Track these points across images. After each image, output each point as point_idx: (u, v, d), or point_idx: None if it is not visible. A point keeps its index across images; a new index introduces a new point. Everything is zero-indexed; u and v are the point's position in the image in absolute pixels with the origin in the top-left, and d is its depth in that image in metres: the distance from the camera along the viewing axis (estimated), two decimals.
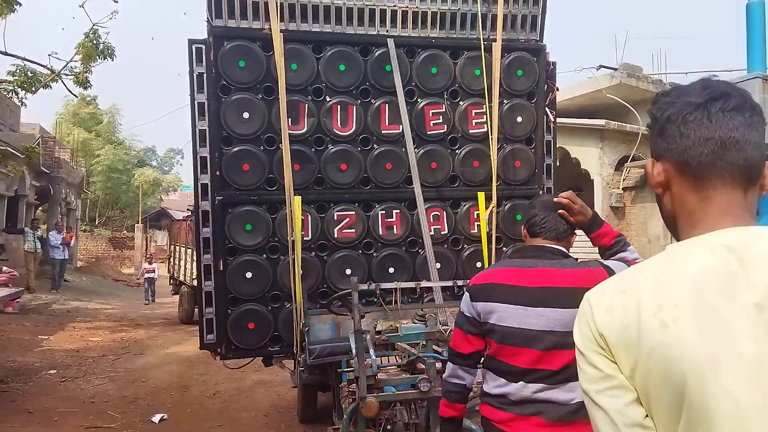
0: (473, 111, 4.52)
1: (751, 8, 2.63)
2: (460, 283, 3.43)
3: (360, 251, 4.36)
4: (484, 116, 4.52)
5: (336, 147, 4.27)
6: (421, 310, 3.70)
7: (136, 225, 33.71)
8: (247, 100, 4.08)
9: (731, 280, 0.77)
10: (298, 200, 4.08)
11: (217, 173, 4.07)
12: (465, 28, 4.49)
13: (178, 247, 13.13)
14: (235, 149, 4.09)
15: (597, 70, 10.36)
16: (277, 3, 3.95)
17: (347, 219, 4.32)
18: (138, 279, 17.57)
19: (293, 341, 4.09)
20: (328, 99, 4.24)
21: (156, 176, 38.43)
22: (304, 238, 4.20)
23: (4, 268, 10.08)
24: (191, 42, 4.04)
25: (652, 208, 9.65)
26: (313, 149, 4.24)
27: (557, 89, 4.80)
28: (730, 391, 0.72)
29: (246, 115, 4.08)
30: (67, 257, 15.24)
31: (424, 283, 3.41)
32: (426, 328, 3.59)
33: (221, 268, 4.11)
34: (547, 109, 4.71)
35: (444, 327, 3.09)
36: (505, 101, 4.55)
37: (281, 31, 4.00)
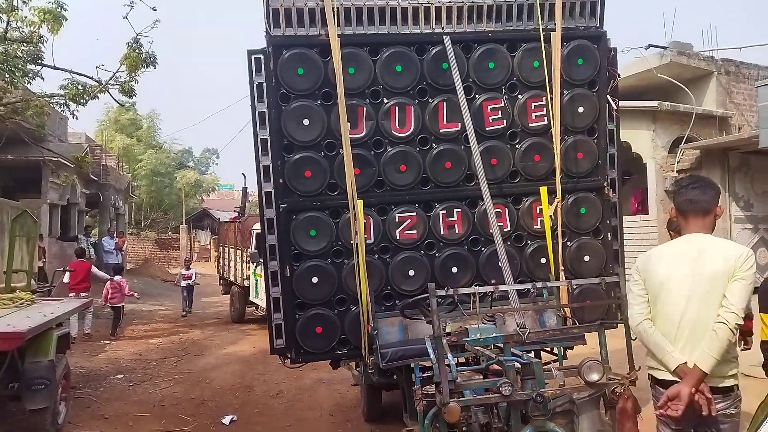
0: (532, 104, 4.42)
1: None
2: (539, 285, 3.36)
3: (422, 252, 4.34)
4: (544, 109, 4.41)
5: (395, 149, 4.25)
6: (491, 309, 3.68)
7: (180, 226, 34.69)
8: (306, 107, 4.09)
9: (687, 249, 2.52)
10: (360, 204, 4.08)
11: (281, 181, 4.11)
12: (522, 19, 4.38)
13: (226, 248, 13.41)
14: (297, 156, 4.12)
15: (646, 49, 10.02)
16: (334, 8, 3.94)
17: (408, 220, 4.30)
18: (176, 284, 16.16)
19: (361, 344, 4.11)
20: (385, 101, 4.22)
21: (197, 178, 39.38)
22: (367, 241, 4.20)
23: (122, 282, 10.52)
24: (250, 53, 4.07)
25: None
26: (372, 152, 4.23)
27: (619, 76, 4.65)
28: (671, 287, 2.52)
29: (306, 122, 4.10)
30: (120, 261, 15.77)
31: (503, 287, 3.36)
32: (497, 329, 3.57)
33: (288, 274, 4.16)
34: (608, 97, 4.57)
35: (522, 329, 3.04)
36: (565, 91, 4.42)
37: (338, 36, 3.98)
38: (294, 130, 4.09)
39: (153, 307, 14.57)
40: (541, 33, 4.25)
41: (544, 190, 4.40)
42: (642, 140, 9.91)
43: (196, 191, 40.01)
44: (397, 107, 4.21)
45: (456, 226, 4.36)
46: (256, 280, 10.35)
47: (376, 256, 4.27)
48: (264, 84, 4.10)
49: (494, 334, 3.22)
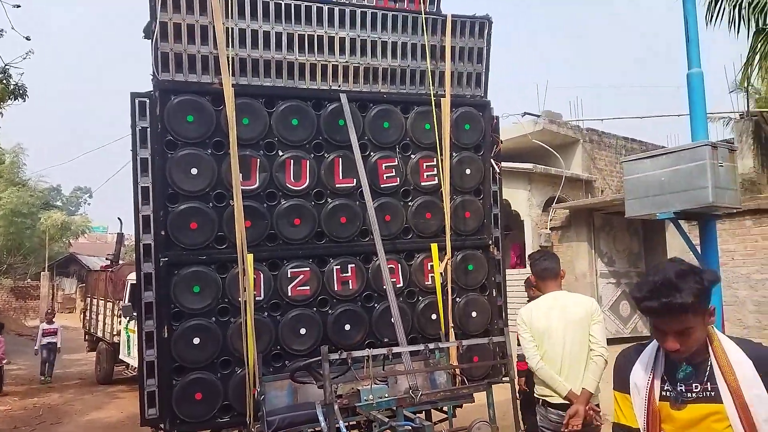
0: (424, 164, 4.57)
1: (691, 78, 2.88)
2: (431, 346, 3.37)
3: (315, 309, 4.21)
4: (435, 169, 4.59)
5: (289, 201, 4.15)
6: (383, 369, 3.62)
7: (42, 273, 31.13)
8: (195, 156, 3.89)
9: (555, 304, 3.33)
10: (250, 258, 3.90)
11: (162, 233, 3.81)
12: (414, 84, 4.58)
13: (95, 300, 12.17)
14: (182, 207, 3.86)
15: (522, 116, 10.95)
16: (228, 57, 3.84)
17: (301, 276, 4.17)
18: (34, 344, 12.17)
19: (246, 410, 3.83)
20: (280, 153, 4.14)
21: (64, 219, 35.88)
22: (257, 298, 4.00)
23: None
24: (134, 95, 3.82)
25: (577, 246, 10.17)
26: (265, 204, 4.09)
27: (501, 142, 4.98)
28: (551, 333, 3.27)
29: (194, 171, 3.88)
30: None
31: (397, 349, 3.31)
32: (389, 389, 3.50)
33: (165, 335, 3.81)
34: (492, 161, 4.86)
35: (415, 391, 3.01)
36: (454, 154, 4.64)
37: (233, 85, 3.88)
38: (180, 179, 3.86)
39: (5, 367, 12.67)
40: (432, 98, 4.46)
41: (435, 247, 4.52)
42: (520, 199, 10.69)
43: (63, 234, 36.34)
44: (292, 160, 4.15)
45: (350, 281, 4.30)
46: (128, 336, 9.44)
47: (266, 313, 4.07)
48: (148, 129, 3.85)
49: (386, 396, 3.15)
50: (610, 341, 10.46)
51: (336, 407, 2.74)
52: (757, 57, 9.35)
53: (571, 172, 11.13)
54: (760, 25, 9.19)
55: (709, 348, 1.63)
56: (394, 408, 3.02)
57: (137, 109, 3.84)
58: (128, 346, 9.48)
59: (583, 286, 9.99)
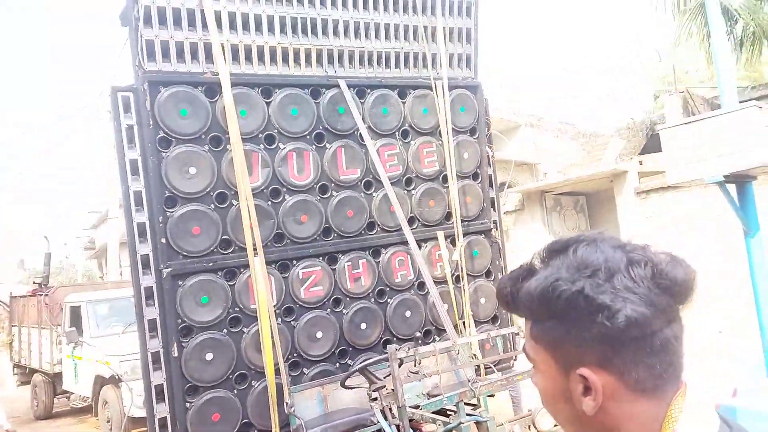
0: (424, 150, 4.43)
1: (716, 45, 2.94)
2: (493, 333, 3.24)
3: (329, 310, 3.96)
4: (435, 155, 4.46)
5: (294, 197, 3.87)
6: (414, 365, 3.45)
7: None
8: (192, 153, 3.51)
9: None
10: (261, 261, 3.58)
11: (162, 241, 3.41)
12: (408, 67, 4.42)
13: (25, 329, 10.98)
14: (182, 210, 3.48)
15: None
16: (222, 43, 3.49)
17: (313, 276, 3.91)
18: None
19: (269, 425, 3.52)
20: (281, 146, 3.84)
21: None
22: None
23: None
24: (116, 90, 3.39)
25: (533, 228, 10.46)
26: (269, 202, 3.78)
27: (491, 124, 4.94)
28: None
29: (192, 170, 3.51)
30: None
31: (461, 341, 3.16)
32: (420, 384, 3.36)
33: (175, 354, 3.42)
34: (486, 144, 4.81)
35: (474, 384, 2.88)
36: (452, 138, 4.54)
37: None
38: (177, 180, 3.47)
39: None
40: (433, 81, 4.32)
41: (441, 235, 4.40)
42: None
43: None
44: (294, 153, 3.86)
45: (362, 278, 4.09)
46: (74, 364, 8.59)
47: (279, 319, 3.77)
48: (134, 127, 3.43)
49: (420, 393, 3.00)
50: None
51: (406, 408, 2.55)
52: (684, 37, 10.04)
53: (520, 158, 11.43)
54: (682, 7, 9.86)
55: None
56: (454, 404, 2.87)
57: (120, 105, 3.40)
58: (75, 375, 8.63)
59: None
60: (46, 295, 9.98)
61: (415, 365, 3.41)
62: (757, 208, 2.75)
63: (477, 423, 2.73)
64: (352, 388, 3.16)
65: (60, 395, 9.73)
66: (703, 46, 9.26)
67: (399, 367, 2.92)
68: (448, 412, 3.43)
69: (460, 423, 2.70)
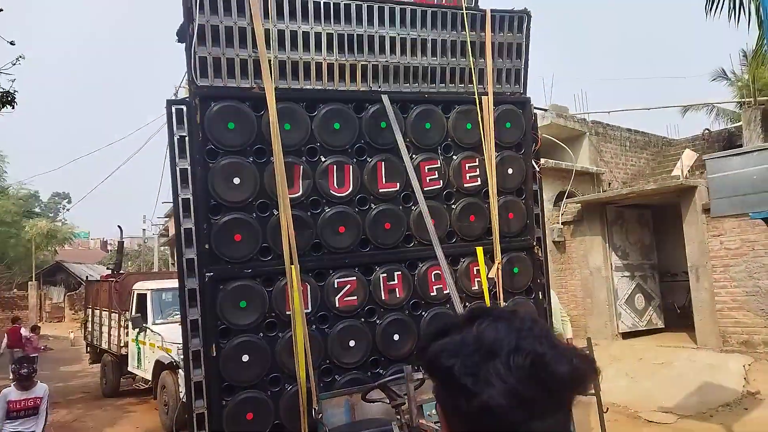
0: (466, 165, 4.43)
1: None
2: None
3: (362, 320, 4.05)
4: (477, 170, 4.44)
5: (333, 209, 3.98)
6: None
7: (29, 282, 30.46)
8: (237, 164, 3.70)
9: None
10: (295, 269, 3.72)
11: (206, 246, 3.62)
12: (454, 82, 4.42)
13: (97, 311, 11.84)
14: (226, 218, 3.67)
15: None
16: (270, 60, 3.65)
17: (348, 285, 4.01)
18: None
19: (299, 429, 3.66)
20: (323, 159, 3.96)
21: (50, 227, 35.11)
22: (305, 311, 3.82)
23: None
24: (171, 103, 3.63)
25: (591, 241, 10.11)
26: (309, 213, 3.92)
27: (540, 140, 4.85)
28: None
29: (236, 180, 3.69)
30: None
31: None
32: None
33: (213, 354, 3.62)
34: (533, 160, 4.73)
35: None
36: (496, 153, 4.50)
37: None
38: (223, 190, 3.66)
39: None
40: (477, 97, 4.31)
41: (480, 251, 4.38)
42: None
43: (49, 242, 35.58)
44: (335, 166, 3.97)
45: (397, 289, 4.14)
46: (138, 348, 9.17)
47: (314, 326, 3.90)
48: (186, 138, 3.65)
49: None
50: (627, 335, 10.36)
51: (419, 429, 2.59)
52: (764, 48, 9.35)
53: (581, 166, 11.07)
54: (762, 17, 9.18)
55: None
56: None
57: (174, 117, 3.64)
58: (138, 359, 9.22)
59: (599, 280, 9.94)
60: (117, 281, 10.71)
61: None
62: None
63: None
64: (373, 401, 3.23)
65: (126, 376, 10.40)
66: None
67: (420, 385, 2.95)
68: None
69: None
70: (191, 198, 3.64)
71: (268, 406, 3.71)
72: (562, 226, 10.38)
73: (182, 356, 7.15)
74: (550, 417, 0.70)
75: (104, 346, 11.07)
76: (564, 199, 10.44)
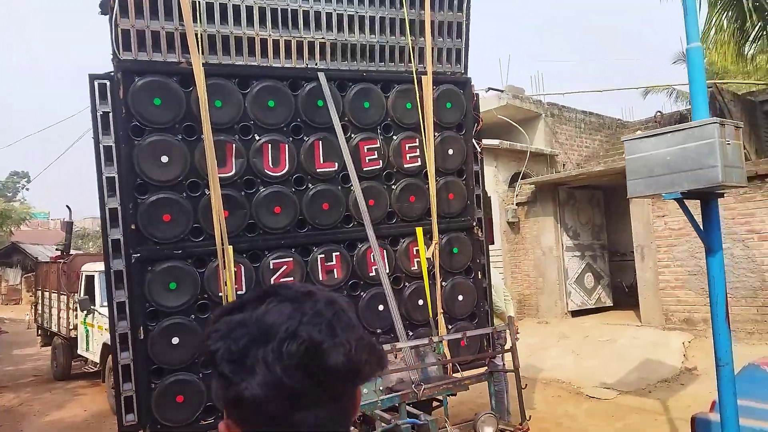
0: (407, 145, 4.40)
1: (691, 54, 2.82)
2: (435, 339, 3.25)
3: None
4: (418, 150, 4.43)
5: (268, 189, 3.91)
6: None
7: None
8: (165, 142, 3.58)
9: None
10: (230, 250, 3.66)
11: (132, 227, 3.52)
12: (393, 60, 4.37)
13: (47, 293, 11.50)
14: (153, 198, 3.57)
15: (486, 92, 10.87)
16: (198, 33, 3.53)
17: (284, 267, 3.97)
18: None
19: None
20: (257, 137, 3.88)
21: (4, 207, 33.85)
22: (238, 292, 3.77)
23: None
24: (93, 77, 3.47)
25: (543, 221, 10.29)
26: (243, 192, 3.84)
27: (482, 120, 4.86)
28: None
29: (164, 158, 3.58)
30: None
31: (400, 345, 3.18)
32: (382, 380, 3.38)
33: (141, 337, 3.55)
34: (474, 140, 4.74)
35: (418, 387, 2.90)
36: (436, 134, 4.49)
37: (202, 65, 3.57)
38: (150, 168, 3.55)
39: None
40: (415, 75, 4.27)
41: (420, 231, 4.39)
42: (486, 175, 10.65)
43: (3, 222, 34.35)
44: (270, 144, 3.90)
45: (335, 270, 4.13)
46: (87, 330, 8.97)
47: None
48: (110, 114, 3.51)
49: (381, 388, 3.03)
50: (576, 313, 10.56)
51: None
52: (713, 31, 9.58)
53: (535, 147, 11.20)
54: None
55: None
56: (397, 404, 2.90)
57: (97, 92, 3.49)
58: (86, 341, 9.02)
59: (550, 260, 10.14)
60: (65, 262, 10.40)
61: None
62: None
63: (417, 426, 2.75)
64: None
65: (77, 359, 10.18)
66: (732, 40, 8.82)
67: None
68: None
69: (397, 425, 2.73)
70: (116, 176, 3.52)
71: (199, 389, 3.67)
72: (516, 207, 10.52)
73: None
74: (320, 409, 0.67)
75: (54, 328, 10.78)
76: (519, 180, 10.56)
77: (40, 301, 12.15)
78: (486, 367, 3.66)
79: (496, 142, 10.41)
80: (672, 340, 8.08)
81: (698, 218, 2.83)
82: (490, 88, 10.83)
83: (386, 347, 3.02)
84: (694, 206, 2.86)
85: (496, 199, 10.61)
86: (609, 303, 10.61)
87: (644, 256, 8.64)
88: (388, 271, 4.31)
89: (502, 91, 10.90)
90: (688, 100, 16.60)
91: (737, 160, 2.51)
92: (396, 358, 3.33)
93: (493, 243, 10.65)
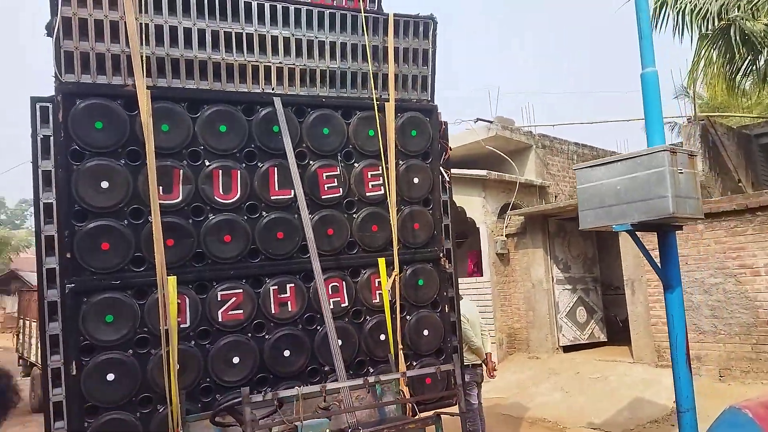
0: (369, 173, 4.25)
1: (646, 79, 2.67)
2: (371, 380, 3.03)
3: (249, 335, 3.81)
4: (381, 178, 4.27)
5: (218, 216, 3.75)
6: (324, 400, 3.25)
7: None
8: (105, 167, 3.44)
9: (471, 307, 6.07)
10: (173, 281, 3.47)
11: (68, 255, 3.35)
12: (356, 87, 4.26)
13: (28, 322, 11.29)
14: (91, 225, 3.41)
15: (475, 122, 10.80)
16: (142, 56, 3.42)
17: (233, 299, 3.77)
18: None
19: None
20: (207, 163, 3.73)
21: (4, 234, 33.96)
22: (182, 325, 3.57)
23: None
24: (35, 100, 3.36)
25: (533, 253, 10.06)
26: (190, 220, 3.68)
27: (450, 149, 4.72)
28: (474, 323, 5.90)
29: (105, 184, 3.43)
30: None
31: (332, 386, 2.96)
32: (330, 422, 3.15)
33: (74, 372, 3.33)
34: (441, 169, 4.59)
35: (356, 430, 2.67)
36: (400, 162, 4.35)
37: (149, 87, 3.46)
38: (88, 194, 3.40)
39: None
40: (375, 102, 4.15)
41: (382, 262, 4.20)
42: (474, 206, 10.51)
43: (3, 249, 34.42)
44: (221, 171, 3.75)
45: (289, 303, 3.92)
46: None
47: (193, 342, 3.64)
48: (51, 138, 3.39)
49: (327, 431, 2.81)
50: (568, 348, 10.28)
51: None
52: (702, 63, 9.51)
53: (525, 178, 11.05)
54: (703, 31, 9.35)
55: None
56: None
57: (38, 115, 3.37)
58: None
59: (540, 293, 9.87)
60: None
61: (324, 400, 3.22)
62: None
63: None
64: (225, 426, 2.99)
65: None
66: (721, 73, 8.74)
67: (280, 408, 2.74)
68: None
69: None
70: (54, 202, 3.36)
71: (136, 429, 3.44)
72: (506, 239, 10.31)
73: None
74: None
75: (33, 359, 10.53)
76: (508, 211, 10.39)
77: (22, 330, 11.93)
78: (433, 411, 3.42)
79: (483, 172, 10.28)
80: (664, 378, 7.75)
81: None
82: (478, 119, 10.77)
83: (314, 389, 2.79)
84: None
85: (484, 230, 10.42)
86: (603, 338, 10.28)
87: (635, 290, 8.38)
88: (346, 304, 4.11)
89: (491, 122, 10.82)
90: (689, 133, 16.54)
91: (692, 190, 2.33)
92: (335, 400, 3.10)
93: (481, 275, 10.44)
